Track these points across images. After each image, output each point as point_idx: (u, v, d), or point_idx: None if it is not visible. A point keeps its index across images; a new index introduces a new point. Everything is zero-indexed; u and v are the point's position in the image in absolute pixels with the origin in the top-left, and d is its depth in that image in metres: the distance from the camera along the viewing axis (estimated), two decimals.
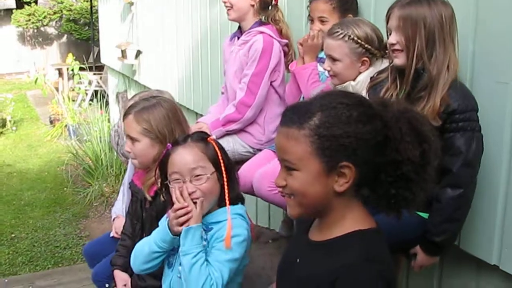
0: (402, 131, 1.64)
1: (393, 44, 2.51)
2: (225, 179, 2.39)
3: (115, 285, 3.21)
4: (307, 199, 1.68)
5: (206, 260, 2.33)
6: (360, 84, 2.90)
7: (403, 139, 1.64)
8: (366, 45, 2.89)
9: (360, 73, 2.94)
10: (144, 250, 2.52)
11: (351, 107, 1.64)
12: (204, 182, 2.37)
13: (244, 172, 3.46)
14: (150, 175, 2.85)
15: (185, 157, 2.40)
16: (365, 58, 2.92)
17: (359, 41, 2.88)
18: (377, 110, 1.68)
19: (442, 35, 2.44)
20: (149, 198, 2.94)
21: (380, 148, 1.64)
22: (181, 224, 2.35)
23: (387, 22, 2.55)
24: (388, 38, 2.57)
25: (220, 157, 2.41)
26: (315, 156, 1.62)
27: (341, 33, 2.90)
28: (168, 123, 2.89)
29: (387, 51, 2.81)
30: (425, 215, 2.51)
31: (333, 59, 2.95)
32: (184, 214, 2.34)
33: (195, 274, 2.29)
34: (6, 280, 5.39)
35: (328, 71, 2.99)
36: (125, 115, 2.94)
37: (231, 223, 2.35)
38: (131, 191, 3.21)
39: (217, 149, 2.42)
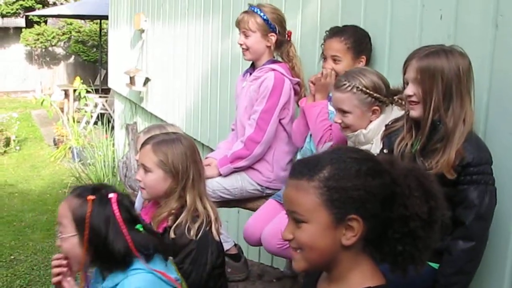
0: (410, 187, 1.65)
1: (410, 96, 2.51)
2: (84, 245, 2.25)
3: None
4: (315, 253, 1.67)
5: None
6: (371, 133, 2.91)
7: (411, 194, 1.64)
8: (375, 94, 2.89)
9: (371, 121, 2.94)
10: None
11: (361, 161, 1.66)
12: (61, 242, 2.30)
13: (251, 228, 3.50)
14: (160, 211, 2.86)
15: (60, 207, 2.33)
16: (375, 107, 2.92)
17: (367, 91, 2.88)
18: (385, 166, 1.69)
19: (459, 88, 2.45)
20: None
21: (388, 203, 1.64)
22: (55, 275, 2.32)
23: (404, 73, 2.55)
24: (404, 88, 2.58)
25: (87, 220, 2.23)
26: (324, 207, 1.62)
27: (349, 85, 2.90)
28: (184, 160, 2.88)
29: (395, 98, 2.83)
30: (435, 266, 2.50)
31: (344, 112, 2.95)
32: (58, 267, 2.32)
33: None
34: None
35: (340, 123, 2.99)
36: (143, 144, 2.94)
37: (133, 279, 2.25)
38: None
39: (89, 211, 2.24)
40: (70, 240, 2.26)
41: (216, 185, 3.69)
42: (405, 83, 2.56)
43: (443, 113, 2.44)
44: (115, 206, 2.24)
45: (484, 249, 2.47)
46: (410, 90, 2.51)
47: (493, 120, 2.65)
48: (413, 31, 3.12)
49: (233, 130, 4.13)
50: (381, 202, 1.64)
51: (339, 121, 2.98)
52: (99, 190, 2.30)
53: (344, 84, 2.91)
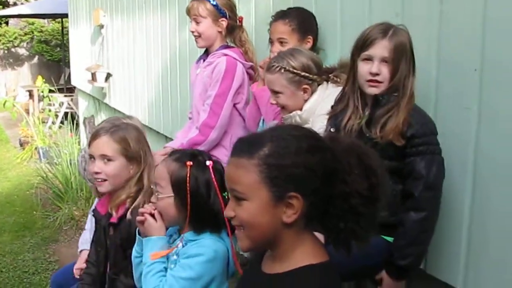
0: (350, 163, 1.66)
1: (374, 74, 2.54)
2: (188, 209, 2.43)
3: None
4: (256, 230, 1.68)
5: (165, 272, 2.40)
6: (306, 113, 2.98)
7: (351, 171, 1.65)
8: (302, 73, 2.97)
9: (305, 100, 2.99)
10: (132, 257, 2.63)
11: (301, 138, 1.67)
12: (157, 200, 2.48)
13: None
14: (118, 194, 2.88)
15: (157, 168, 2.52)
16: (305, 86, 2.99)
17: (294, 70, 2.96)
18: (326, 143, 1.70)
19: (412, 61, 2.50)
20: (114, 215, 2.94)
21: (328, 180, 1.65)
22: (140, 222, 2.49)
23: (363, 48, 2.57)
24: (358, 61, 2.60)
25: (188, 185, 2.40)
26: (263, 185, 1.63)
27: (277, 66, 2.99)
28: (141, 144, 2.92)
29: (331, 76, 2.89)
30: (390, 239, 2.53)
31: (275, 92, 3.04)
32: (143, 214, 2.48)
33: (146, 281, 2.41)
34: None
35: (275, 104, 3.06)
36: (96, 136, 2.92)
37: (201, 243, 2.40)
38: (94, 219, 3.20)
39: (188, 176, 2.41)
40: (166, 200, 2.45)
41: None
42: (362, 59, 2.58)
43: (401, 87, 2.49)
44: (213, 174, 2.38)
45: (436, 218, 2.51)
46: (375, 68, 2.53)
47: (442, 94, 2.68)
48: (362, 11, 3.15)
49: (190, 118, 4.13)
50: (321, 179, 1.64)
51: (274, 102, 3.07)
52: (196, 156, 2.47)
53: (273, 66, 3.01)
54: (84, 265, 3.44)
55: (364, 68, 2.57)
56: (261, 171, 1.63)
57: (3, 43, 17.80)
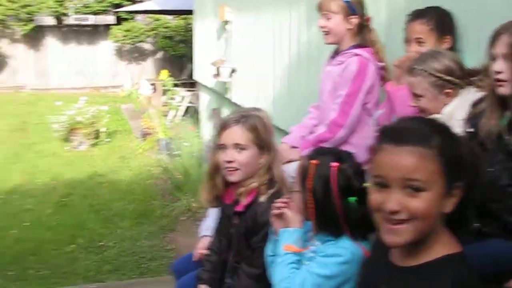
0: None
1: (498, 73, 2.42)
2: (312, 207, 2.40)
3: None
4: (427, 222, 1.64)
5: (297, 265, 2.40)
6: (446, 117, 2.85)
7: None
8: (446, 77, 2.86)
9: (445, 104, 2.89)
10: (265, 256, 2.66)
11: (452, 131, 1.70)
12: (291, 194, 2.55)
13: None
14: (249, 181, 2.91)
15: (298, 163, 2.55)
16: (448, 90, 2.88)
17: (437, 74, 2.86)
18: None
19: None
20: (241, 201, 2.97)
21: (476, 171, 1.67)
22: (276, 215, 2.51)
23: (491, 46, 2.47)
24: (489, 61, 2.49)
25: (308, 182, 2.40)
26: (441, 175, 1.62)
27: (419, 69, 2.89)
28: (271, 134, 2.94)
29: (473, 79, 2.77)
30: None
31: (416, 95, 2.94)
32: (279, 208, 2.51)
33: (277, 272, 2.42)
34: (95, 287, 5.51)
35: (416, 107, 2.97)
36: (227, 126, 2.95)
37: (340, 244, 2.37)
38: (219, 207, 3.23)
39: (310, 173, 2.40)
40: (298, 195, 2.47)
41: (292, 169, 3.69)
42: (491, 58, 2.47)
43: None
44: (334, 176, 2.34)
45: None
46: (499, 66, 2.42)
47: None
48: (507, 6, 3.02)
49: (309, 112, 4.12)
50: (473, 170, 1.66)
51: (414, 105, 2.97)
52: (327, 155, 2.46)
53: (414, 68, 2.91)
54: (204, 251, 3.49)
55: (491, 67, 2.47)
56: (440, 161, 1.61)
57: (130, 38, 18.42)
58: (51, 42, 19.20)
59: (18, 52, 19.07)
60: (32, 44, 19.06)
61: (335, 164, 2.37)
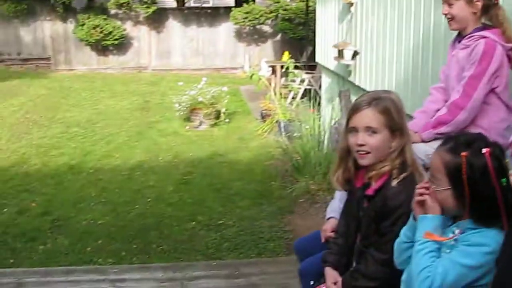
0: None
1: None
2: (468, 200, 2.28)
3: (324, 282, 3.20)
4: None
5: (437, 253, 2.30)
6: None
7: None
8: None
9: None
10: (396, 242, 2.57)
11: None
12: (434, 193, 2.38)
13: None
14: (381, 165, 2.84)
15: (432, 159, 2.43)
16: None
17: None
18: None
19: None
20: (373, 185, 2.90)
21: None
22: (417, 203, 2.39)
23: None
24: None
25: (464, 176, 2.27)
26: None
27: None
28: (402, 118, 2.85)
29: None
30: None
31: None
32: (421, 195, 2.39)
33: (416, 260, 2.31)
34: (215, 264, 5.59)
35: None
36: (358, 109, 2.88)
37: (485, 234, 2.26)
38: (348, 190, 3.18)
39: (464, 167, 2.27)
40: (443, 193, 2.35)
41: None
42: None
43: None
44: (489, 161, 2.24)
45: None
46: None
47: None
48: None
49: (431, 95, 4.01)
50: None
51: None
52: (471, 143, 2.32)
53: None
54: (331, 234, 3.45)
55: None
56: None
57: (250, 20, 18.56)
58: (172, 24, 19.68)
59: (141, 34, 19.68)
60: (154, 26, 19.59)
61: (486, 149, 2.25)
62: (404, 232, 2.52)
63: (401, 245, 2.53)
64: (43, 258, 6.13)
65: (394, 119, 2.82)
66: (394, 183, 2.80)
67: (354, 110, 2.92)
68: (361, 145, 2.85)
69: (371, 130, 2.83)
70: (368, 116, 2.83)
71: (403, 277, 2.54)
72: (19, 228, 6.96)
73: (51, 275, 5.41)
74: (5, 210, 7.55)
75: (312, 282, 3.56)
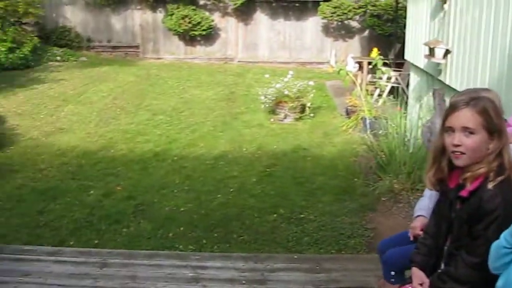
0: None
1: None
2: None
3: (410, 282, 3.16)
4: None
5: None
6: None
7: None
8: None
9: None
10: (493, 246, 2.49)
11: None
12: None
13: None
14: (477, 166, 2.76)
15: None
16: None
17: None
18: None
19: None
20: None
21: None
22: None
23: None
24: None
25: None
26: None
27: None
28: (501, 119, 2.76)
29: None
30: None
31: None
32: None
33: None
34: (296, 257, 5.60)
35: None
36: (456, 108, 2.81)
37: None
38: (440, 190, 3.11)
39: None
40: None
41: None
42: None
43: None
44: None
45: None
46: None
47: None
48: None
49: None
50: None
51: None
52: None
53: None
54: (420, 232, 3.40)
55: None
56: None
57: (338, 15, 18.41)
58: (260, 16, 19.73)
59: (229, 25, 19.82)
60: (242, 18, 19.70)
61: None
62: (505, 236, 2.42)
63: (500, 250, 2.44)
64: (125, 240, 6.33)
65: (492, 120, 2.74)
66: (490, 185, 2.72)
67: (451, 109, 2.85)
68: (457, 146, 2.78)
69: (468, 131, 2.75)
70: (466, 116, 2.76)
71: (499, 283, 2.46)
72: (104, 210, 7.20)
73: (135, 257, 5.54)
74: (92, 192, 7.82)
75: (393, 273, 3.54)
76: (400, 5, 15.41)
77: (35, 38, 17.32)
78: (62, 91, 14.12)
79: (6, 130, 10.83)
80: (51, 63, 17.45)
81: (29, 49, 16.53)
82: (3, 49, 15.82)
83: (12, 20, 16.71)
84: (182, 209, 7.25)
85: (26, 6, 16.51)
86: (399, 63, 13.24)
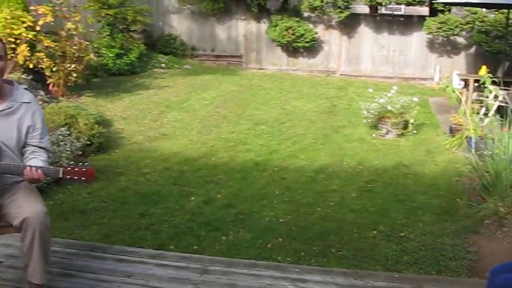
0: None
1: None
2: None
3: None
4: None
5: None
6: None
7: None
8: None
9: None
10: None
11: None
12: None
13: None
14: None
15: None
16: None
17: None
18: None
19: None
20: None
21: None
22: None
23: None
24: None
25: None
26: None
27: None
28: None
29: None
30: None
31: None
32: None
33: None
34: (397, 276, 5.53)
35: None
36: None
37: None
38: None
39: None
40: None
41: None
42: None
43: None
44: None
45: None
46: None
47: None
48: None
49: None
50: None
51: None
52: None
53: None
54: None
55: None
56: None
57: (444, 31, 18.03)
58: (364, 30, 19.62)
59: (333, 38, 19.82)
60: (346, 31, 19.65)
61: None
62: None
63: None
64: (224, 248, 6.45)
65: None
66: None
67: None
68: None
69: None
70: None
71: None
72: (204, 217, 7.36)
73: (235, 266, 5.61)
74: (192, 198, 8.01)
75: None
76: (510, 21, 14.94)
77: (142, 45, 17.97)
78: (166, 97, 14.54)
79: (112, 133, 11.23)
80: (156, 70, 18.05)
81: (136, 55, 17.18)
82: (111, 55, 16.51)
83: (121, 27, 17.37)
84: (281, 220, 7.32)
85: (134, 14, 17.18)
86: (508, 81, 12.85)
